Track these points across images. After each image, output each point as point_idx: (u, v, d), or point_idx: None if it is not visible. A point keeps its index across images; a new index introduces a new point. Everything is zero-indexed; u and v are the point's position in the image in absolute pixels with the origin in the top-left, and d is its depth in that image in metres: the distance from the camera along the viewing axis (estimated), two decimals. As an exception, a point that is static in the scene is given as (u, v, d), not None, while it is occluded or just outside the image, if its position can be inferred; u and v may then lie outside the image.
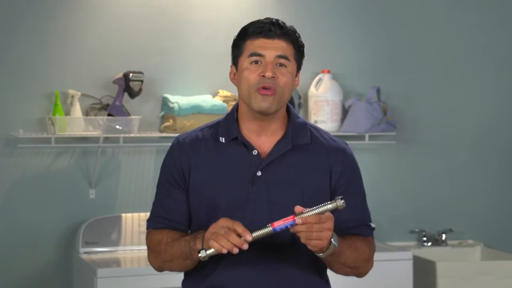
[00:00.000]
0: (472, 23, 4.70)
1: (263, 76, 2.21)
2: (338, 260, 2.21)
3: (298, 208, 2.08)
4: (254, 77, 2.23)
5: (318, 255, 2.16)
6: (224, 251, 2.08)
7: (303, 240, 2.08)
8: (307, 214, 2.06)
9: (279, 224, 2.07)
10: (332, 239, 2.13)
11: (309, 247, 2.10)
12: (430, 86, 4.66)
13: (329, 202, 2.08)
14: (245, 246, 2.07)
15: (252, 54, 2.23)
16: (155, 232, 2.31)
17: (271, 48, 2.23)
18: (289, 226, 2.07)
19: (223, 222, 2.11)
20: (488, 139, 4.76)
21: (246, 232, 2.08)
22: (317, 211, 2.07)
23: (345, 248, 2.20)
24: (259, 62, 2.23)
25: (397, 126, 4.54)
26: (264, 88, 2.21)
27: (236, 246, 2.07)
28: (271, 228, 2.08)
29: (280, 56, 2.23)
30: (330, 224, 2.08)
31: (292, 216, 2.07)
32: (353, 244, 2.24)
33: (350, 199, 2.27)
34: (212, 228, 2.12)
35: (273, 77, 2.22)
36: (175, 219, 2.30)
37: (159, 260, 2.30)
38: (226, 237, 2.08)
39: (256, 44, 2.24)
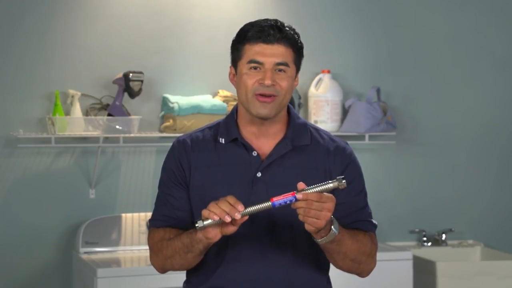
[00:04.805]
0: (472, 23, 4.70)
1: (262, 83, 2.21)
2: (339, 249, 2.20)
3: (301, 184, 2.09)
4: (253, 83, 2.23)
5: (317, 241, 2.15)
6: (216, 217, 2.08)
7: (300, 217, 2.08)
8: (308, 191, 2.07)
9: (278, 199, 2.09)
10: (332, 226, 2.13)
11: (306, 226, 2.09)
12: (430, 86, 4.66)
13: (330, 181, 2.09)
14: (237, 215, 2.07)
15: (251, 61, 2.23)
16: (158, 230, 2.31)
17: (270, 55, 2.22)
18: (288, 202, 2.08)
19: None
20: (488, 139, 4.76)
21: (238, 203, 2.09)
22: (318, 189, 2.07)
23: (346, 237, 2.19)
24: (258, 68, 2.23)
25: (397, 126, 4.54)
26: (263, 95, 2.21)
27: (228, 214, 2.07)
28: (269, 203, 2.09)
29: (279, 64, 2.23)
30: (330, 205, 2.07)
31: (292, 193, 2.08)
32: (355, 235, 2.24)
33: (351, 197, 2.28)
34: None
35: (273, 84, 2.22)
36: (178, 216, 2.30)
37: (161, 257, 2.29)
38: (218, 205, 2.09)
39: (255, 50, 2.23)
